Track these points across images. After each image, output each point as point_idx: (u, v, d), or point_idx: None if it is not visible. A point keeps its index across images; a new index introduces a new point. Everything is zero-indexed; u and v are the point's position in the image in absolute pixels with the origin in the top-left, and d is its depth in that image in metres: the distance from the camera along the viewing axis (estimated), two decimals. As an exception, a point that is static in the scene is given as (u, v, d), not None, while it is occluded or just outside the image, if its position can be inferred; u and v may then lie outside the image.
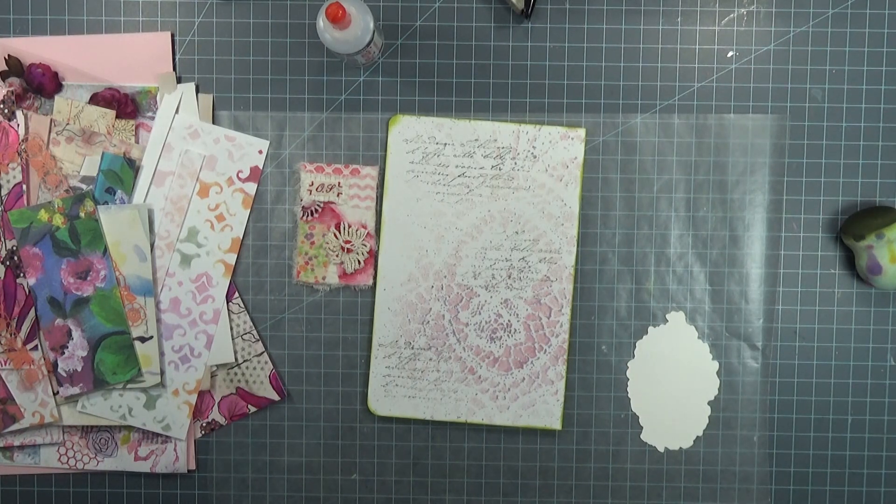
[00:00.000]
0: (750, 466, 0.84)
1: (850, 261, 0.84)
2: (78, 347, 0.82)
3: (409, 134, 0.83)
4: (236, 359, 0.84)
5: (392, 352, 0.84)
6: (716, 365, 0.84)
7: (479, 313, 0.83)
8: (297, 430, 0.85)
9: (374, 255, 0.83)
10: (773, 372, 0.84)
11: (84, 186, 0.82)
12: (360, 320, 0.84)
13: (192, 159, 0.83)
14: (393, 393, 0.84)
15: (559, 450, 0.85)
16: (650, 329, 0.84)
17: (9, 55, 0.82)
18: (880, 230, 0.79)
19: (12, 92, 0.82)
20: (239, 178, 0.83)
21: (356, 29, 0.73)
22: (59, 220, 0.81)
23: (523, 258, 0.83)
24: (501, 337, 0.83)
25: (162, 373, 0.83)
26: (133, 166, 0.82)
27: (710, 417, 0.84)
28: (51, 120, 0.82)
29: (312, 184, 0.83)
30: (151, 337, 0.83)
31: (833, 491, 0.85)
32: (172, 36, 0.83)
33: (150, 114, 0.83)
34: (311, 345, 0.84)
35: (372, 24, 0.74)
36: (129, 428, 0.84)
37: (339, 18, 0.70)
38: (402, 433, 0.85)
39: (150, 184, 0.83)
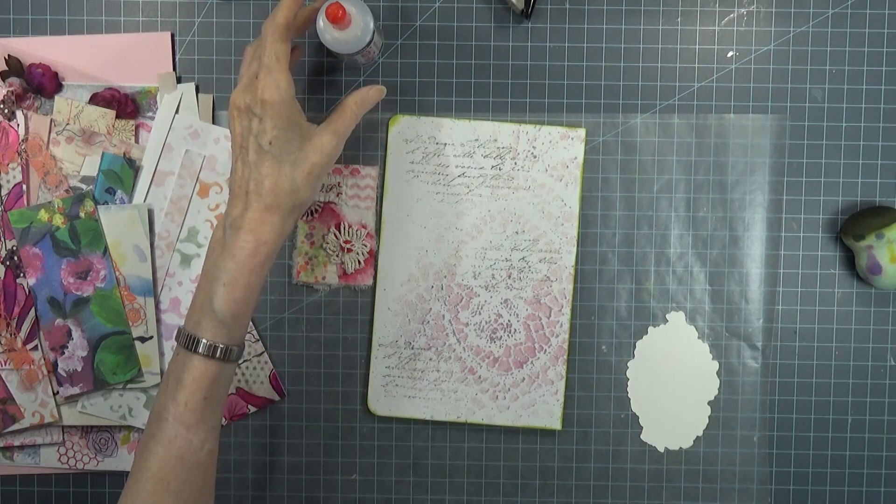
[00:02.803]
0: (750, 466, 0.84)
1: (850, 261, 0.84)
2: (78, 347, 0.82)
3: (409, 134, 0.83)
4: (236, 359, 0.84)
5: (392, 352, 0.84)
6: (716, 365, 0.84)
7: (479, 313, 0.83)
8: (297, 430, 0.85)
9: (374, 255, 0.83)
10: (773, 372, 0.84)
11: (84, 186, 0.82)
12: (360, 320, 0.84)
13: (193, 159, 0.83)
14: (393, 393, 0.84)
15: (559, 450, 0.85)
16: (650, 329, 0.84)
17: (9, 55, 0.82)
18: (880, 230, 0.79)
19: (12, 92, 0.82)
20: (239, 178, 0.83)
21: (356, 29, 0.73)
22: (59, 220, 0.81)
23: (523, 258, 0.83)
24: (501, 337, 0.83)
25: (162, 373, 0.83)
26: (133, 166, 0.82)
27: (710, 417, 0.84)
28: (51, 120, 0.82)
29: (312, 184, 0.83)
30: (151, 337, 0.83)
31: (833, 491, 0.85)
32: (172, 36, 0.83)
33: (150, 114, 0.83)
34: (311, 345, 0.84)
35: (372, 24, 0.74)
36: (129, 428, 0.84)
37: (339, 18, 0.70)
38: (402, 433, 0.85)
39: (150, 184, 0.83)
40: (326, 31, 0.73)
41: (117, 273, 0.82)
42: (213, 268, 0.68)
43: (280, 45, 0.68)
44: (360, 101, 0.72)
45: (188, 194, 0.83)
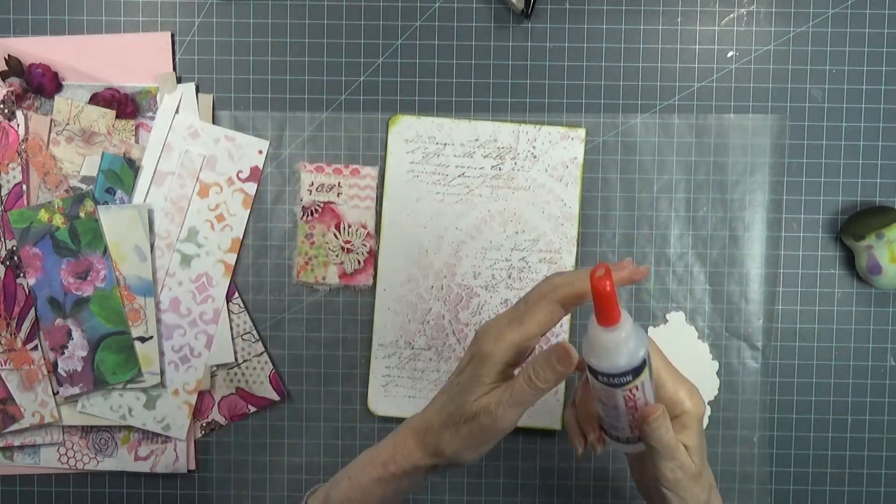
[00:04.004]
0: (750, 466, 0.84)
1: (850, 261, 0.84)
2: (78, 347, 0.82)
3: (409, 134, 0.83)
4: (236, 359, 0.84)
5: (392, 352, 0.84)
6: (716, 365, 0.84)
7: (479, 313, 0.83)
8: (297, 430, 0.85)
9: (374, 255, 0.83)
10: (773, 372, 0.84)
11: (84, 186, 0.82)
12: (360, 320, 0.84)
13: (193, 159, 0.83)
14: (393, 393, 0.84)
15: (559, 450, 0.85)
16: (650, 329, 0.84)
17: (9, 55, 0.82)
18: (880, 230, 0.79)
19: (12, 92, 0.82)
20: (239, 178, 0.83)
21: (623, 334, 0.53)
22: (59, 220, 0.81)
23: (523, 258, 0.83)
24: (501, 337, 0.83)
25: (162, 373, 0.83)
26: (133, 166, 0.82)
27: (710, 417, 0.84)
28: (51, 120, 0.82)
29: (312, 184, 0.83)
30: (151, 337, 0.83)
31: (833, 491, 0.85)
32: (172, 36, 0.83)
33: (150, 114, 0.83)
34: (311, 345, 0.84)
35: (642, 353, 0.54)
36: (129, 428, 0.84)
37: (604, 294, 0.51)
38: (402, 433, 0.85)
39: (150, 184, 0.83)
40: (590, 328, 0.54)
41: (117, 273, 0.82)
42: (360, 455, 0.64)
43: (545, 306, 0.56)
44: (540, 377, 0.57)
45: (188, 194, 0.83)
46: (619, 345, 0.52)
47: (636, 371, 0.53)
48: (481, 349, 0.58)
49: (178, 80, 0.83)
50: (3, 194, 0.82)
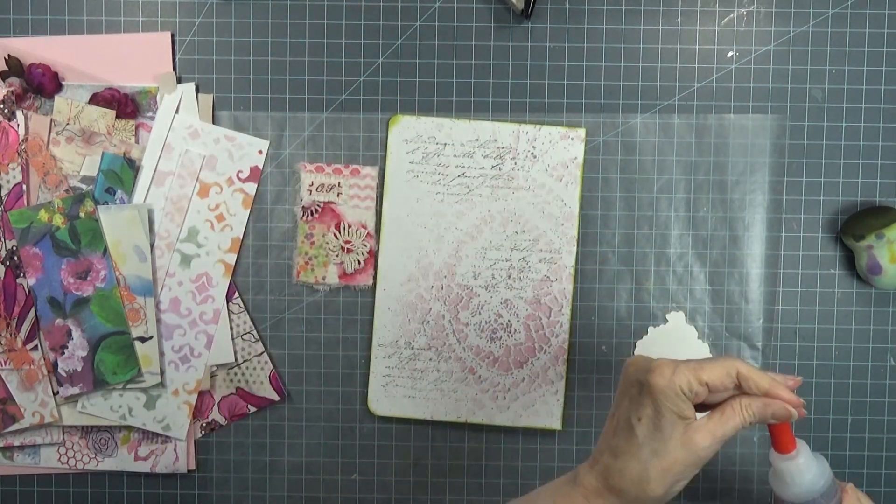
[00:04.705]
0: (750, 466, 0.84)
1: (850, 261, 0.84)
2: (78, 347, 0.82)
3: (409, 134, 0.83)
4: (236, 359, 0.84)
5: (392, 352, 0.84)
6: (716, 365, 0.84)
7: (479, 313, 0.83)
8: (297, 430, 0.85)
9: (374, 255, 0.83)
10: (773, 372, 0.84)
11: (84, 186, 0.82)
12: (360, 320, 0.84)
13: (192, 159, 0.83)
14: (393, 393, 0.84)
15: (559, 450, 0.85)
16: (650, 329, 0.84)
17: (9, 55, 0.82)
18: (880, 230, 0.79)
19: (12, 92, 0.82)
20: (239, 178, 0.83)
21: (803, 461, 0.61)
22: (59, 220, 0.81)
23: (523, 258, 0.83)
24: (501, 337, 0.83)
25: (162, 373, 0.83)
26: (133, 166, 0.82)
27: (710, 417, 0.84)
28: (51, 120, 0.82)
29: (312, 184, 0.83)
30: (151, 337, 0.83)
31: (833, 491, 0.84)
32: (172, 36, 0.83)
33: (150, 114, 0.83)
34: (311, 345, 0.84)
35: (822, 483, 0.60)
36: (129, 428, 0.84)
37: (783, 433, 0.60)
38: (402, 433, 0.85)
39: (150, 184, 0.83)
40: (773, 458, 0.62)
41: (117, 273, 0.82)
42: (536, 495, 0.63)
43: (726, 365, 0.60)
44: (751, 409, 0.60)
45: (188, 194, 0.83)
46: (793, 471, 0.60)
47: (833, 490, 0.60)
48: (657, 384, 0.59)
49: (178, 80, 0.83)
50: (3, 194, 0.82)
